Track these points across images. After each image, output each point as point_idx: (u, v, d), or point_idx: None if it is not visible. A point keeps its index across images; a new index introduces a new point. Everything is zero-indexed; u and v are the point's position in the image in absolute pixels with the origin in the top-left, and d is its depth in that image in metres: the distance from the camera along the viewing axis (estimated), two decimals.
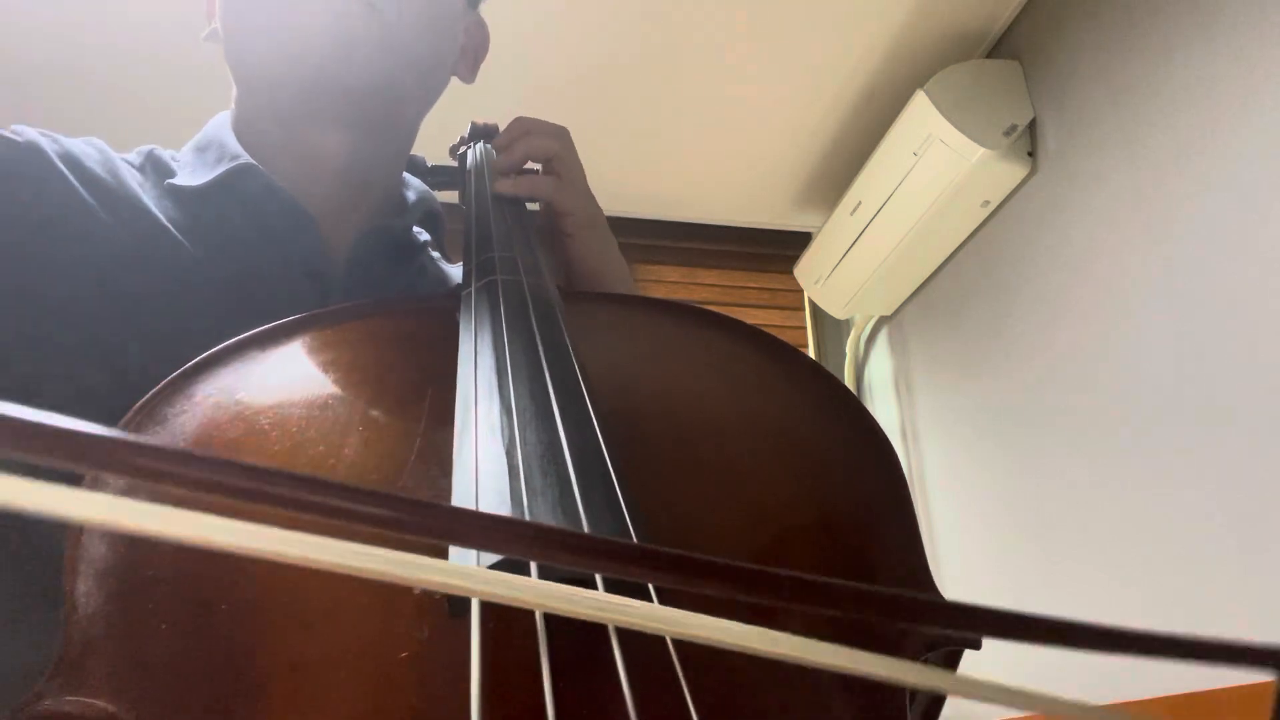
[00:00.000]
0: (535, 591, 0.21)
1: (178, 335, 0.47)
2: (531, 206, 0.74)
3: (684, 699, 0.27)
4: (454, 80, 0.74)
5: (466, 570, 0.20)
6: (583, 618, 0.21)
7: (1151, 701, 1.30)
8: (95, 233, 0.54)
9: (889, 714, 0.33)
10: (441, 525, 0.19)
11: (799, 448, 0.45)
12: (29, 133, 0.57)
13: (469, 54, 0.72)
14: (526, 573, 0.30)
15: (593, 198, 0.72)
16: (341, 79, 0.58)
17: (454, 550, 0.31)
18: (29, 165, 0.55)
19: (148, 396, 0.38)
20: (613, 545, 0.20)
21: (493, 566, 0.30)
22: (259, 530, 0.18)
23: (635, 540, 0.32)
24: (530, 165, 0.72)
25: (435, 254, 0.72)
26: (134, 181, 0.58)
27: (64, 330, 0.50)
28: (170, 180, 0.60)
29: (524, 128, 0.71)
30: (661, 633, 0.22)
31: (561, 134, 0.71)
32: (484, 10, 0.75)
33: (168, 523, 0.17)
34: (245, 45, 0.61)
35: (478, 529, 0.19)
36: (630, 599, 0.22)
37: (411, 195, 0.70)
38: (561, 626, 0.29)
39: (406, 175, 0.72)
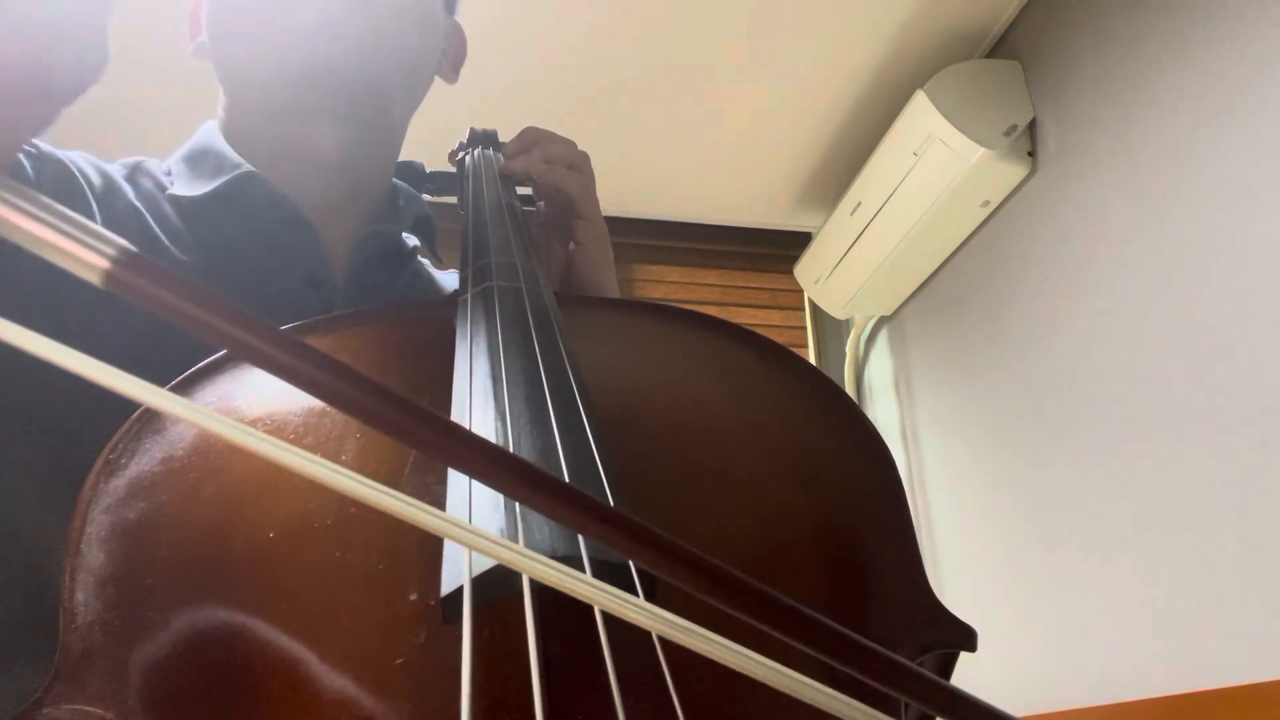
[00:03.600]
0: (526, 556, 0.22)
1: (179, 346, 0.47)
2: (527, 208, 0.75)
3: (672, 704, 0.28)
4: (458, 80, 0.75)
5: (461, 523, 0.21)
6: (570, 592, 0.22)
7: (1151, 701, 1.30)
8: None
9: None
10: (441, 438, 0.19)
11: (795, 454, 0.45)
12: (43, 144, 0.57)
13: (450, 57, 0.74)
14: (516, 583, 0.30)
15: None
16: (334, 72, 0.59)
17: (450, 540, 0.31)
18: (51, 174, 0.55)
19: (144, 407, 0.39)
20: (589, 501, 0.21)
21: (485, 572, 0.31)
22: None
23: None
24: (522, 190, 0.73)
25: (424, 260, 0.73)
26: (129, 194, 0.59)
27: (70, 343, 0.50)
28: (170, 191, 0.60)
29: (535, 137, 0.71)
30: (645, 626, 0.22)
31: (574, 145, 0.72)
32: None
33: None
34: (238, 45, 0.62)
35: (478, 451, 0.20)
36: (619, 590, 0.23)
37: (401, 200, 0.71)
38: (553, 632, 0.29)
39: (395, 181, 0.72)
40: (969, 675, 0.40)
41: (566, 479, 0.36)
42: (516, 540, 0.31)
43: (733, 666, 0.22)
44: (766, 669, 0.22)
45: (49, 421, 0.49)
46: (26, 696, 0.29)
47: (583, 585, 0.22)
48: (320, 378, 0.19)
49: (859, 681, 0.21)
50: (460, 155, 0.79)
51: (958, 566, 1.81)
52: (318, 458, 0.20)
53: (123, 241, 0.19)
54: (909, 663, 0.22)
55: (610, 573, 0.31)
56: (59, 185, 0.55)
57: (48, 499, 0.48)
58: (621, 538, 0.20)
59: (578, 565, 0.31)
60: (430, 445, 0.19)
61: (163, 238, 0.57)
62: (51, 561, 0.37)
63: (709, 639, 0.22)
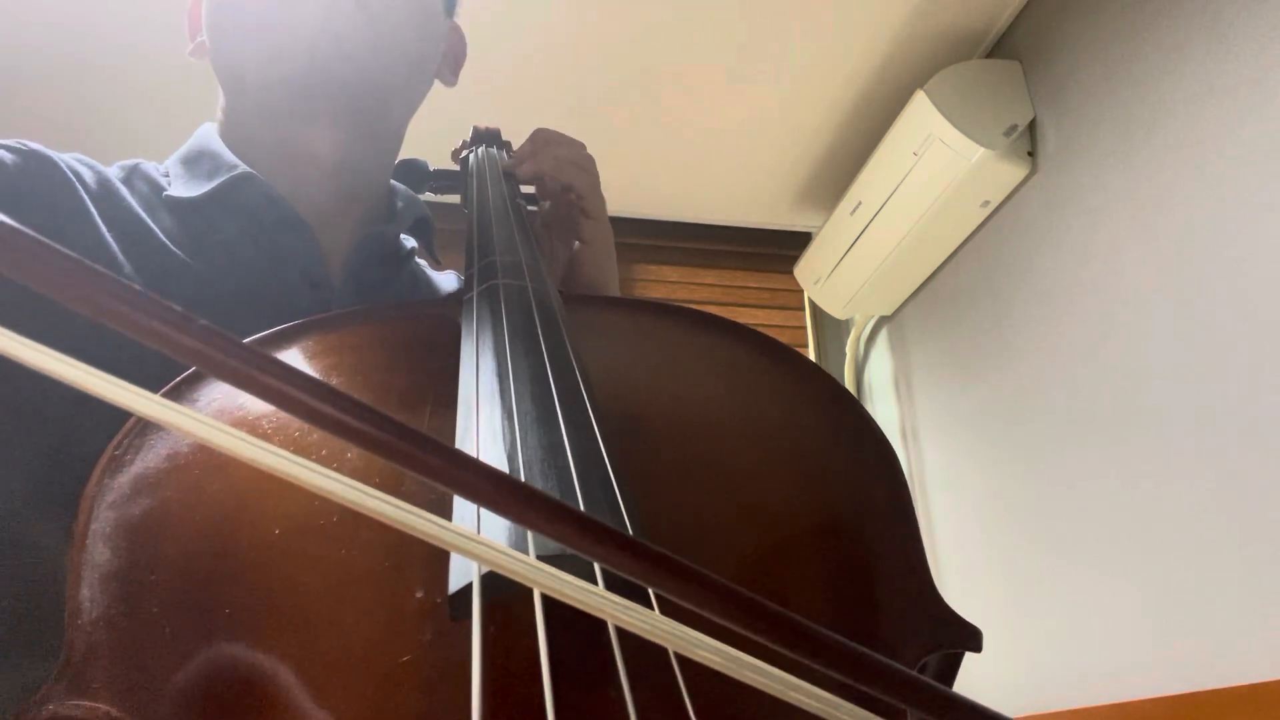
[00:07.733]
0: (536, 569, 0.21)
1: None
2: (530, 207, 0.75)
3: (683, 703, 0.28)
4: (457, 83, 0.74)
5: (468, 534, 0.21)
6: (580, 606, 0.21)
7: (1151, 701, 1.30)
8: (102, 246, 0.54)
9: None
10: (440, 462, 0.19)
11: (800, 452, 0.45)
12: (37, 145, 0.57)
13: (450, 59, 0.74)
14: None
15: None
16: (333, 75, 0.59)
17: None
18: (44, 176, 0.55)
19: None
20: (601, 527, 0.20)
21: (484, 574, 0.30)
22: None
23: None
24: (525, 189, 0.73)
25: (421, 261, 0.73)
26: (127, 196, 0.59)
27: (71, 347, 0.50)
28: (167, 193, 0.60)
29: (544, 139, 0.71)
30: (656, 639, 0.22)
31: (582, 147, 0.72)
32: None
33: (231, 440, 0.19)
34: (236, 47, 0.62)
35: (481, 477, 0.19)
36: (630, 602, 0.22)
37: (400, 202, 0.71)
38: (562, 629, 0.29)
39: (394, 182, 0.72)
40: (969, 675, 0.40)
41: (574, 475, 0.36)
42: (526, 548, 0.31)
43: (747, 681, 0.22)
44: (784, 685, 0.22)
45: (47, 412, 0.49)
46: (30, 691, 0.29)
47: (596, 599, 0.22)
48: (287, 391, 0.18)
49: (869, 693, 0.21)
50: (464, 154, 0.79)
51: (958, 566, 1.81)
52: (318, 466, 0.20)
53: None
54: (937, 683, 0.22)
55: (624, 583, 0.31)
56: (44, 183, 0.55)
57: (45, 492, 0.48)
58: (632, 562, 0.20)
59: (590, 576, 0.30)
60: (421, 467, 0.19)
61: (160, 239, 0.57)
62: (50, 557, 0.37)
63: (724, 653, 0.22)
